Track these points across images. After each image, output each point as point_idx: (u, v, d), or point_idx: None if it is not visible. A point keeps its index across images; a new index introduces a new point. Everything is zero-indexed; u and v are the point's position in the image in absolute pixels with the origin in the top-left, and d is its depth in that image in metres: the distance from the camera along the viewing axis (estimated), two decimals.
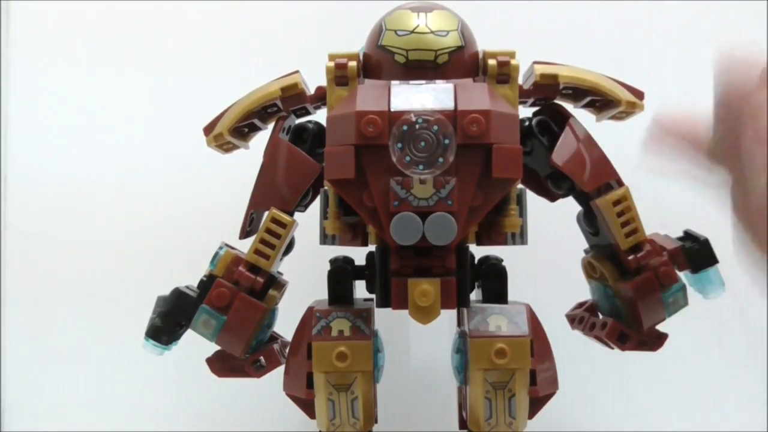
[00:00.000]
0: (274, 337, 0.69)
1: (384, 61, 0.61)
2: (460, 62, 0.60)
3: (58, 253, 0.98)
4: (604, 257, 0.68)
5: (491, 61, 0.60)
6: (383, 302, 0.61)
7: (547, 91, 0.64)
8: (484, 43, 0.64)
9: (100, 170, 0.99)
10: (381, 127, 0.55)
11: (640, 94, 0.66)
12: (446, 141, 0.55)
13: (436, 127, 0.55)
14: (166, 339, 0.65)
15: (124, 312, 0.84)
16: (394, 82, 0.59)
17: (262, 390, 0.72)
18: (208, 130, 0.68)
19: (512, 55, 0.60)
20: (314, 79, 0.66)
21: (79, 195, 0.98)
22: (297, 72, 0.65)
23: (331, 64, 0.60)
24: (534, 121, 0.66)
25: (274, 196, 0.64)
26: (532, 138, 0.66)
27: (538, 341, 0.61)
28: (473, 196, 0.56)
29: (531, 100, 0.66)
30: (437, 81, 0.59)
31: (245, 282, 0.63)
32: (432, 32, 0.60)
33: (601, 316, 0.71)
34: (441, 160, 0.55)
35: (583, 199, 0.67)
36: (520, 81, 0.64)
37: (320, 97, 0.65)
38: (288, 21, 0.98)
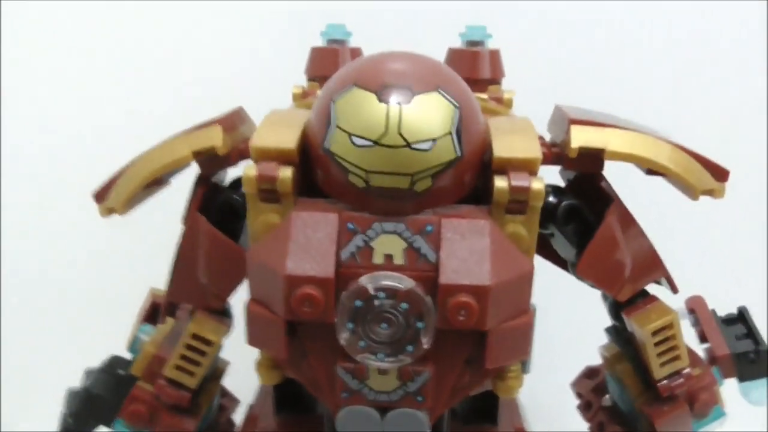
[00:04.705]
0: (224, 406, 0.58)
1: (333, 172, 0.39)
2: (451, 181, 0.39)
3: (56, 253, 0.91)
4: (628, 362, 0.53)
5: (500, 183, 0.39)
6: None
7: (584, 165, 0.44)
8: None
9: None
10: (322, 306, 0.37)
11: (723, 175, 0.46)
12: (419, 324, 0.37)
13: (405, 305, 0.37)
14: None
15: (123, 310, 0.77)
16: (346, 213, 0.39)
17: None
18: (99, 197, 0.49)
19: (532, 167, 0.39)
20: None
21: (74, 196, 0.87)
22: (217, 124, 0.45)
23: (252, 171, 0.39)
24: (561, 209, 0.46)
25: (198, 291, 0.47)
26: (555, 223, 0.47)
27: None
28: (455, 385, 0.40)
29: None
30: (412, 216, 0.39)
31: (167, 399, 0.50)
32: (409, 145, 0.38)
33: (608, 397, 0.58)
34: (410, 348, 0.37)
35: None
36: (543, 131, 0.44)
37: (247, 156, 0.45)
38: None
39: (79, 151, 0.90)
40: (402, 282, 0.37)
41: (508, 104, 0.54)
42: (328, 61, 0.56)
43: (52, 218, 0.92)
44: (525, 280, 0.39)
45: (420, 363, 0.38)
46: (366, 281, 0.37)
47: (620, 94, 0.79)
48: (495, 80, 0.56)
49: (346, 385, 0.39)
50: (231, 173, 0.54)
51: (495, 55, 0.56)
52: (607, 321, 0.57)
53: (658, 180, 0.51)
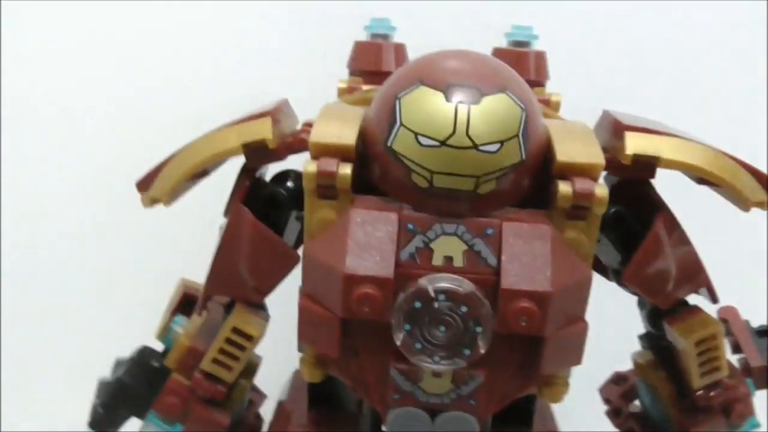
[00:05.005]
0: (252, 401, 0.57)
1: (394, 171, 0.39)
2: (513, 184, 0.39)
3: (56, 253, 0.90)
4: (663, 370, 0.53)
5: (564, 188, 0.38)
6: None
7: (636, 172, 0.44)
8: None
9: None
10: (381, 306, 0.36)
11: None
12: (477, 328, 0.36)
13: (464, 308, 0.36)
14: (113, 428, 0.54)
15: (125, 309, 0.81)
16: (406, 212, 0.38)
17: None
18: (143, 186, 0.48)
19: (594, 173, 0.39)
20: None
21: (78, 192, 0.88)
22: (268, 116, 0.44)
23: (312, 167, 0.39)
24: (609, 215, 0.45)
25: (238, 284, 0.46)
26: (602, 229, 0.47)
27: None
28: (505, 389, 0.39)
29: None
30: (473, 218, 0.38)
31: (203, 392, 0.49)
32: (476, 146, 0.37)
33: (637, 403, 0.58)
34: (467, 351, 0.37)
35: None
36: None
37: (298, 148, 0.45)
38: None
39: (84, 148, 0.89)
40: (462, 285, 0.36)
41: (555, 107, 0.53)
42: (371, 56, 0.55)
43: (51, 217, 0.90)
44: (583, 287, 0.38)
45: (474, 367, 0.38)
46: (426, 283, 0.36)
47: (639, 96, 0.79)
48: (539, 82, 0.56)
49: (398, 386, 0.39)
50: (271, 167, 0.53)
51: (540, 57, 0.56)
52: (632, 325, 0.57)
53: (682, 187, 0.51)
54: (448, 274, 0.37)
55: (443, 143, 0.37)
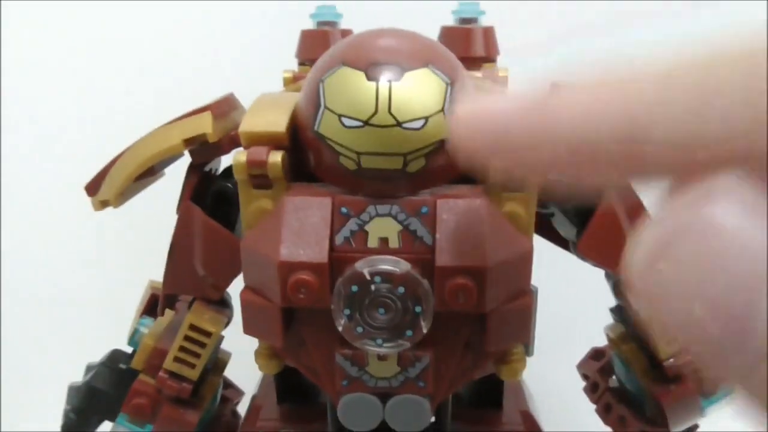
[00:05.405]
0: (228, 398, 0.58)
1: (324, 156, 0.38)
2: (445, 160, 0.38)
3: (56, 251, 0.91)
4: (633, 342, 0.52)
5: None
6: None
7: None
8: None
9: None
10: (317, 291, 0.36)
11: None
12: (417, 308, 0.36)
13: (401, 289, 0.36)
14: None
15: (123, 308, 0.77)
16: (339, 196, 0.38)
17: None
18: (91, 190, 0.48)
19: None
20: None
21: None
22: (207, 111, 0.44)
23: (242, 157, 0.38)
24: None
25: (193, 282, 0.46)
26: (554, 202, 0.46)
27: None
28: (456, 369, 0.39)
29: None
30: (407, 198, 0.37)
31: (169, 391, 0.49)
32: (400, 124, 0.36)
33: (615, 378, 0.57)
34: (409, 332, 0.36)
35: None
36: None
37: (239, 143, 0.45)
38: None
39: (76, 144, 0.88)
40: (398, 266, 0.36)
41: (504, 82, 0.53)
42: (318, 44, 0.55)
43: (51, 216, 0.91)
44: (524, 261, 0.37)
45: (420, 348, 0.37)
46: (361, 266, 0.36)
47: None
48: (489, 58, 0.55)
49: (346, 372, 0.38)
50: (225, 161, 0.53)
51: (489, 33, 0.55)
52: (611, 300, 0.56)
53: None
54: (384, 255, 0.36)
55: (366, 123, 0.36)
